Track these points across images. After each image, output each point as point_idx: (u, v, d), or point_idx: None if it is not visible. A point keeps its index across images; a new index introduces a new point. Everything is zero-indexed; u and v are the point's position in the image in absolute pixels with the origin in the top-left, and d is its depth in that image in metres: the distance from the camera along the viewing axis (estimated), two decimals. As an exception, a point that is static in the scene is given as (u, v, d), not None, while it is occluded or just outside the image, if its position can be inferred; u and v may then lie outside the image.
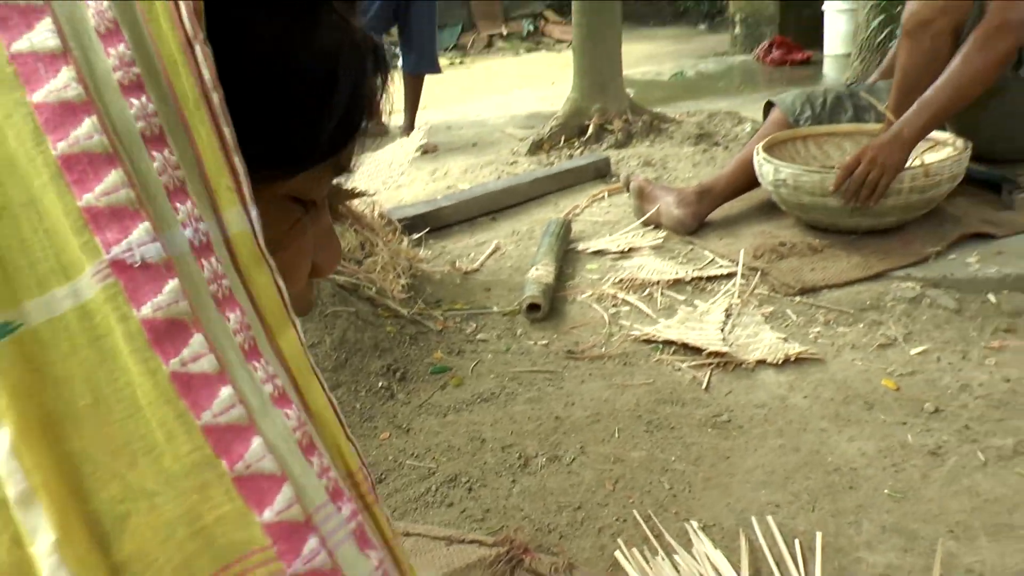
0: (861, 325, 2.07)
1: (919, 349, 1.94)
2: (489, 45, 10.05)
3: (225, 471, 0.43)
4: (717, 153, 3.57)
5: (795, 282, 2.27)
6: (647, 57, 8.18)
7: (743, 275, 2.35)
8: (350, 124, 0.57)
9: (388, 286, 2.36)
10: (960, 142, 2.50)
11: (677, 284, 2.39)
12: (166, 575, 0.41)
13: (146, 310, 0.41)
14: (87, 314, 0.41)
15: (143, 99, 0.43)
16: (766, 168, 2.52)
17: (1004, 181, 2.61)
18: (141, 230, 0.42)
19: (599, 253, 2.69)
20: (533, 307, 2.26)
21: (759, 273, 2.36)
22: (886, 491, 1.48)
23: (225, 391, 0.43)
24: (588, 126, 3.85)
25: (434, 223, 2.97)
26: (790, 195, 2.47)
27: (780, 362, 1.94)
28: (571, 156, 3.70)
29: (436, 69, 4.79)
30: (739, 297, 2.25)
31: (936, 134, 2.64)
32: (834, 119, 2.87)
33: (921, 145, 2.57)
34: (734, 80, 6.36)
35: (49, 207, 0.41)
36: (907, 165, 2.39)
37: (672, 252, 2.62)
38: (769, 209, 2.77)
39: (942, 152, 2.54)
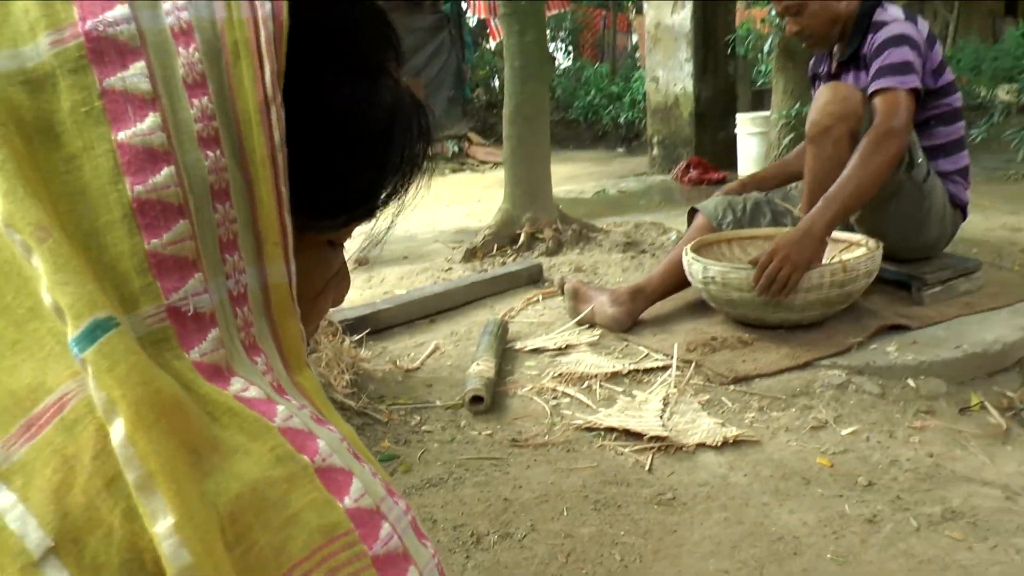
0: (793, 409, 2.17)
1: (849, 430, 2.04)
2: (415, 166, 10.26)
3: (308, 463, 0.47)
4: (645, 260, 3.72)
5: (728, 372, 2.36)
6: (569, 177, 8.46)
7: (678, 367, 2.44)
8: (402, 179, 0.63)
9: (333, 381, 2.39)
10: (872, 242, 2.67)
11: (615, 377, 2.47)
12: (267, 557, 0.45)
13: (195, 355, 0.46)
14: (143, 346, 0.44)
15: (217, 153, 0.47)
16: (695, 267, 2.64)
17: (913, 279, 2.78)
18: (196, 280, 0.46)
19: (537, 351, 2.75)
20: (476, 399, 2.31)
21: (693, 364, 2.45)
22: (829, 556, 1.54)
23: (280, 407, 0.48)
24: (520, 235, 3.97)
25: (374, 325, 3.01)
26: (719, 292, 2.59)
27: (719, 444, 2.01)
28: (504, 263, 3.81)
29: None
30: (675, 387, 2.33)
31: (849, 235, 2.82)
32: (754, 223, 3.04)
33: (837, 247, 2.74)
34: (654, 198, 6.61)
35: (113, 243, 0.45)
36: (824, 262, 2.53)
37: (608, 348, 2.70)
38: (699, 308, 2.89)
39: (857, 251, 2.71)
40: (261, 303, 0.51)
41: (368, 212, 0.62)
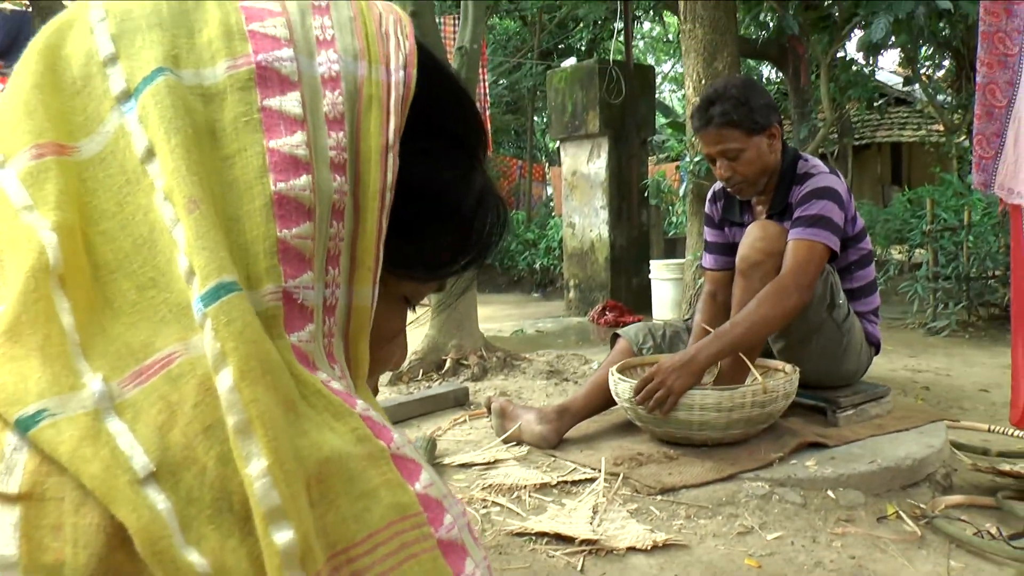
0: (720, 517, 2.22)
1: (775, 535, 2.10)
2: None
3: (384, 447, 0.53)
4: (568, 387, 3.79)
5: (655, 483, 2.41)
6: (486, 318, 8.55)
7: (605, 479, 2.49)
8: (481, 253, 0.73)
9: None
10: (789, 367, 2.80)
11: (544, 488, 2.49)
12: (347, 521, 0.49)
13: (293, 339, 0.53)
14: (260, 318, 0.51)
15: (342, 178, 0.55)
16: (622, 387, 2.72)
17: (828, 403, 2.91)
18: (308, 276, 0.54)
19: (465, 466, 2.77)
20: (408, 506, 2.30)
21: (621, 476, 2.49)
22: (763, 644, 1.57)
23: (359, 401, 0.55)
24: (445, 361, 4.02)
25: (299, 440, 2.99)
26: (644, 410, 2.67)
27: (649, 548, 2.04)
28: (429, 387, 3.84)
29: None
30: (604, 496, 2.37)
31: (769, 362, 2.95)
32: (673, 349, 3.16)
33: (758, 370, 2.86)
34: (571, 337, 6.75)
35: (251, 227, 0.52)
36: (746, 384, 2.64)
37: (536, 463, 2.73)
38: (624, 427, 2.95)
39: (776, 376, 2.84)
40: (343, 321, 0.57)
41: (445, 276, 0.71)
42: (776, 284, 2.65)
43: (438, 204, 0.65)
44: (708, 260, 3.23)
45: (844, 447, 2.64)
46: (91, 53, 0.53)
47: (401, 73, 0.58)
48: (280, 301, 0.51)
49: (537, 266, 11.97)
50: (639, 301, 7.77)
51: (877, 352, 3.12)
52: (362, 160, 0.56)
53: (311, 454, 0.48)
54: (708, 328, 2.85)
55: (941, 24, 5.08)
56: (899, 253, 7.95)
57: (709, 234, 3.23)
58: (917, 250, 7.20)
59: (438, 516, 0.52)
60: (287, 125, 0.53)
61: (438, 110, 0.64)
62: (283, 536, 0.45)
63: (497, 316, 8.83)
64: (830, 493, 2.34)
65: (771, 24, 6.48)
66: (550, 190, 16.35)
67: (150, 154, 0.50)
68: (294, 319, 0.52)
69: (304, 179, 0.53)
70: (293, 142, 0.53)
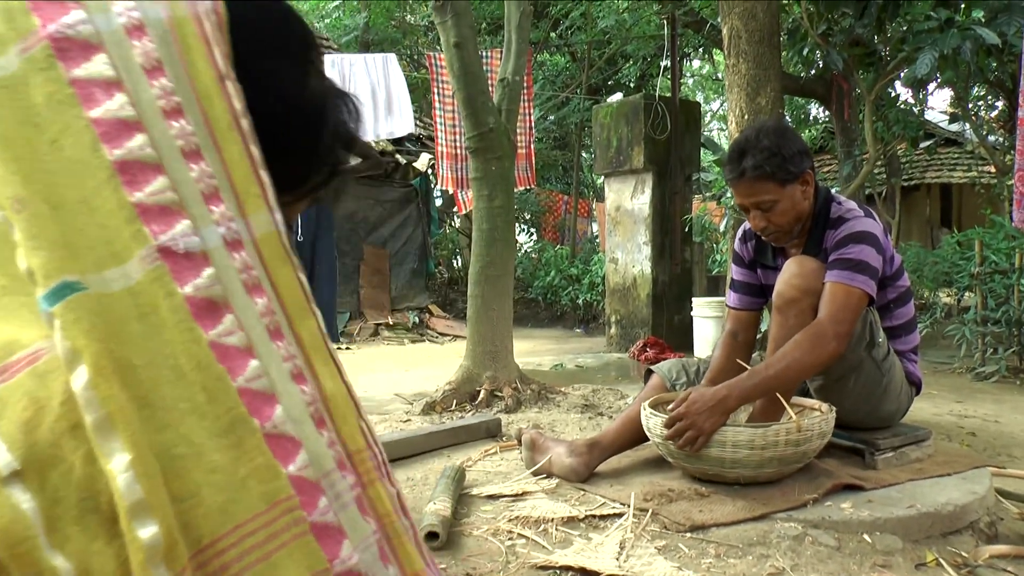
0: (750, 557, 2.16)
1: (805, 577, 2.03)
2: (375, 334, 10.33)
3: (257, 427, 0.51)
4: (602, 421, 3.74)
5: (685, 520, 2.36)
6: (527, 352, 8.55)
7: (634, 514, 2.44)
8: (335, 157, 0.72)
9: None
10: (825, 407, 2.74)
11: (571, 521, 2.45)
12: (212, 515, 0.48)
13: (188, 289, 0.51)
14: (135, 294, 0.50)
15: (182, 122, 0.54)
16: (653, 421, 2.67)
17: (866, 445, 2.83)
18: (184, 225, 0.52)
19: (493, 497, 2.73)
20: (431, 535, 2.27)
21: (650, 512, 2.44)
22: None
23: (253, 363, 0.52)
24: (479, 392, 4.00)
25: (328, 467, 2.98)
26: (675, 446, 2.62)
27: (676, 587, 1.99)
28: (462, 417, 3.81)
29: (335, 339, 4.96)
30: (632, 532, 2.32)
31: (805, 400, 2.89)
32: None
33: (793, 409, 2.80)
34: (611, 373, 6.70)
35: (102, 203, 0.51)
36: (780, 422, 2.58)
37: (564, 496, 2.69)
38: (655, 463, 2.90)
39: (811, 414, 2.77)
40: (256, 253, 0.56)
41: (316, 187, 0.70)
42: (814, 329, 2.59)
43: (293, 118, 0.64)
44: (732, 299, 3.18)
45: (882, 490, 2.56)
46: None
47: (206, 2, 0.57)
48: (160, 259, 0.50)
49: (580, 301, 11.94)
50: (681, 338, 7.69)
51: (918, 392, 3.04)
52: (202, 97, 0.55)
53: (170, 451, 0.47)
54: (722, 365, 2.85)
55: (991, 62, 4.99)
56: (947, 296, 7.81)
57: (736, 272, 3.18)
58: (966, 293, 7.06)
59: (312, 499, 0.51)
60: (103, 91, 0.51)
61: (263, 26, 0.63)
62: (147, 531, 0.44)
63: (538, 350, 8.80)
64: (866, 537, 2.26)
65: (816, 61, 6.43)
66: (595, 226, 16.35)
67: None
68: (184, 269, 0.51)
69: (139, 138, 0.51)
70: (115, 106, 0.51)
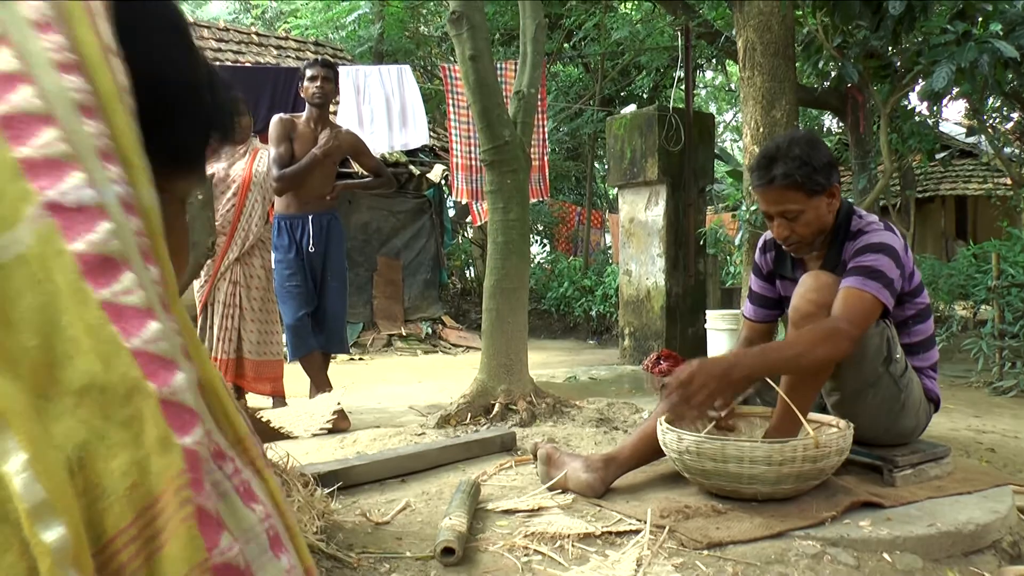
0: (768, 576, 2.14)
1: (825, 597, 2.01)
2: (388, 344, 10.34)
3: (154, 392, 0.47)
4: (617, 436, 3.73)
5: (702, 538, 2.34)
6: (541, 364, 8.53)
7: (651, 531, 2.42)
8: (226, 125, 0.73)
9: (304, 525, 2.34)
10: (843, 423, 2.72)
11: (587, 538, 2.43)
12: (116, 509, 0.45)
13: (79, 245, 0.48)
14: (25, 261, 0.46)
15: (78, 77, 0.52)
16: (669, 436, 2.66)
17: (884, 462, 2.81)
18: (76, 178, 0.49)
19: (509, 512, 2.72)
20: (447, 551, 2.26)
21: (667, 529, 2.43)
22: None
23: (154, 325, 0.49)
24: (494, 405, 3.99)
25: (345, 481, 2.98)
26: (693, 462, 2.60)
27: (694, 606, 1.97)
28: (477, 431, 3.80)
29: (345, 349, 4.97)
30: (648, 549, 2.30)
31: (822, 416, 2.87)
32: (724, 400, 3.09)
33: (810, 425, 2.78)
34: (624, 385, 6.68)
35: None
36: (798, 439, 2.57)
37: (580, 512, 2.67)
38: (671, 479, 2.89)
39: (829, 430, 2.75)
40: (146, 222, 0.53)
41: (204, 161, 0.71)
42: (827, 324, 2.57)
43: (180, 93, 0.64)
44: (748, 309, 3.17)
45: (901, 508, 2.54)
46: None
47: None
48: (49, 215, 0.47)
49: (593, 313, 11.93)
50: (694, 351, 7.66)
51: (936, 409, 3.02)
52: (88, 64, 0.53)
53: (67, 440, 0.44)
54: None
55: (1008, 74, 4.97)
56: (963, 309, 7.76)
57: (754, 283, 3.17)
58: (982, 306, 7.01)
59: (199, 478, 0.48)
60: None
61: (149, 6, 0.63)
62: (53, 533, 0.41)
63: (551, 362, 8.78)
64: (885, 556, 2.24)
65: (831, 73, 6.41)
66: (608, 237, 16.34)
67: None
68: (75, 224, 0.48)
69: (25, 89, 0.49)
70: None
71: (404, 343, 10.49)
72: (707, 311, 7.60)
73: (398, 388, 6.56)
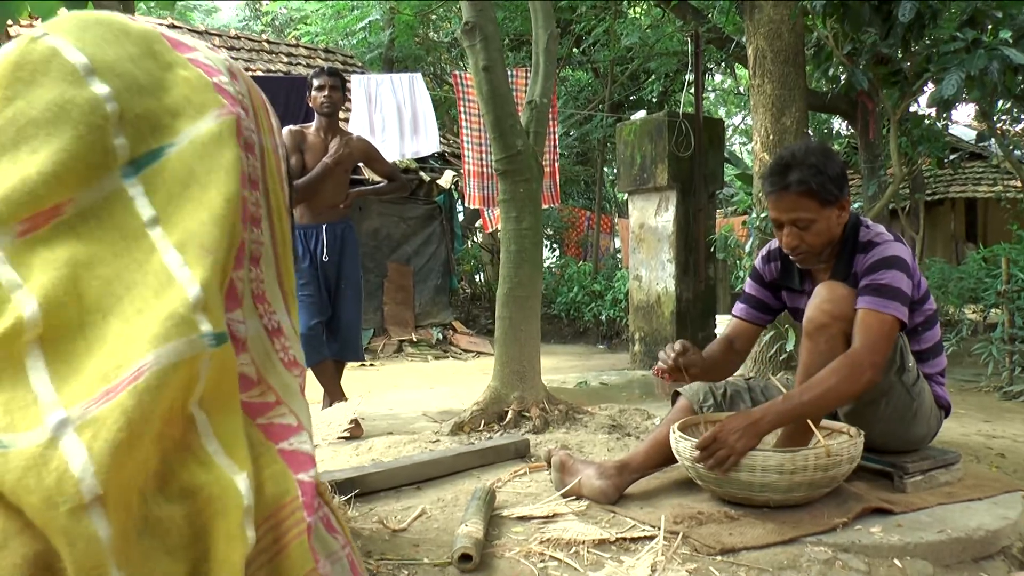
0: (781, 582, 2.17)
1: (837, 603, 2.05)
2: (399, 350, 10.39)
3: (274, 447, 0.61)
4: (630, 442, 3.76)
5: (715, 544, 2.38)
6: (551, 369, 8.55)
7: (665, 537, 2.46)
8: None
9: (321, 534, 2.38)
10: (854, 430, 2.75)
11: (602, 544, 2.47)
12: (267, 499, 0.54)
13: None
14: None
15: (259, 229, 0.64)
16: (683, 445, 2.69)
17: (895, 468, 2.84)
18: (236, 313, 0.61)
19: (524, 518, 2.76)
20: (465, 557, 2.30)
21: (680, 535, 2.47)
22: None
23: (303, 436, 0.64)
24: (507, 412, 4.03)
25: (361, 488, 3.02)
26: (706, 469, 2.64)
27: (708, 611, 2.01)
28: (490, 438, 3.84)
29: (360, 357, 5.01)
30: (663, 555, 2.34)
31: (834, 424, 2.90)
32: (733, 407, 3.13)
33: (821, 432, 2.81)
34: (635, 391, 6.70)
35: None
36: (809, 447, 2.60)
37: (595, 518, 2.71)
38: (684, 485, 2.92)
39: (839, 438, 2.79)
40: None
41: None
42: (850, 358, 2.60)
43: None
44: (740, 309, 3.21)
45: (911, 514, 2.58)
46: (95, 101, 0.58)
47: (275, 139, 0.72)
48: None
49: (603, 318, 11.95)
50: (705, 355, 7.67)
51: (947, 415, 3.05)
52: (274, 210, 0.67)
53: (261, 491, 0.58)
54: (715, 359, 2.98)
55: (1018, 79, 4.98)
56: (973, 313, 7.77)
57: (751, 287, 3.20)
58: (992, 310, 7.02)
59: (310, 503, 0.59)
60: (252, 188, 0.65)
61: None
62: (252, 534, 0.52)
63: (561, 367, 8.82)
64: (896, 562, 2.28)
65: (841, 79, 6.43)
66: (618, 242, 16.35)
67: (154, 221, 0.56)
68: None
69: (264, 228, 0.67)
70: (252, 200, 0.64)
71: (415, 349, 10.54)
72: (717, 316, 7.63)
73: (410, 394, 6.60)
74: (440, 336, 11.03)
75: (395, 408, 5.65)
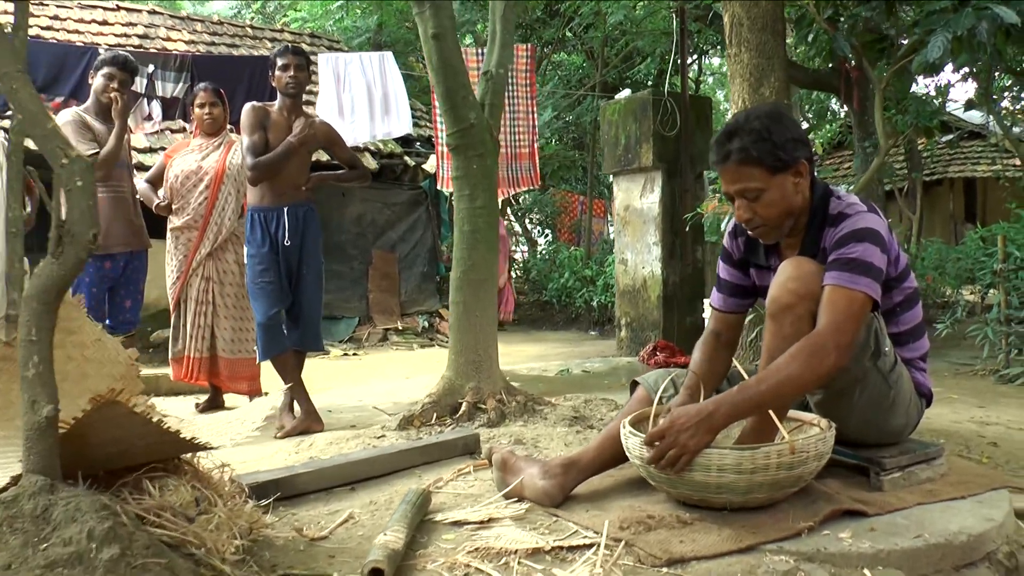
0: (730, 598, 1.90)
1: (791, 624, 1.77)
2: (384, 339, 10.16)
3: None
4: (590, 435, 3.50)
5: (662, 553, 2.10)
6: (536, 356, 8.32)
7: (607, 545, 2.18)
8: None
9: (219, 546, 2.11)
10: (824, 422, 2.47)
11: (536, 554, 2.19)
12: None
13: None
14: None
15: None
16: (632, 441, 2.42)
17: (871, 464, 2.56)
18: None
19: (458, 523, 2.49)
20: (376, 572, 2.03)
21: (623, 543, 2.19)
22: None
23: None
24: (461, 404, 3.76)
25: (288, 490, 2.76)
26: (656, 469, 2.36)
27: (641, 636, 1.74)
28: (441, 432, 3.57)
29: (320, 347, 4.76)
30: (601, 567, 2.06)
31: (803, 415, 2.62)
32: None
33: (788, 426, 2.53)
34: (619, 378, 6.45)
35: None
36: (774, 443, 2.33)
37: (534, 523, 2.44)
38: (638, 485, 2.65)
39: (808, 431, 2.51)
40: None
41: None
42: (812, 340, 2.32)
43: None
44: (716, 299, 2.91)
45: (887, 516, 2.29)
46: None
47: None
48: None
49: (595, 303, 11.72)
50: (692, 341, 7.36)
51: (928, 404, 2.76)
52: None
53: None
54: (703, 369, 2.65)
55: (1010, 46, 4.67)
56: (971, 294, 7.49)
57: (723, 270, 2.91)
58: (990, 291, 6.74)
59: None
60: None
61: None
62: None
63: (548, 355, 8.57)
64: (866, 572, 2.00)
65: (823, 46, 6.12)
66: (612, 227, 16.10)
67: None
68: None
69: None
70: None
71: (400, 337, 10.30)
72: (705, 300, 7.35)
73: (382, 385, 6.35)
74: (426, 324, 10.78)
75: (365, 399, 5.39)
